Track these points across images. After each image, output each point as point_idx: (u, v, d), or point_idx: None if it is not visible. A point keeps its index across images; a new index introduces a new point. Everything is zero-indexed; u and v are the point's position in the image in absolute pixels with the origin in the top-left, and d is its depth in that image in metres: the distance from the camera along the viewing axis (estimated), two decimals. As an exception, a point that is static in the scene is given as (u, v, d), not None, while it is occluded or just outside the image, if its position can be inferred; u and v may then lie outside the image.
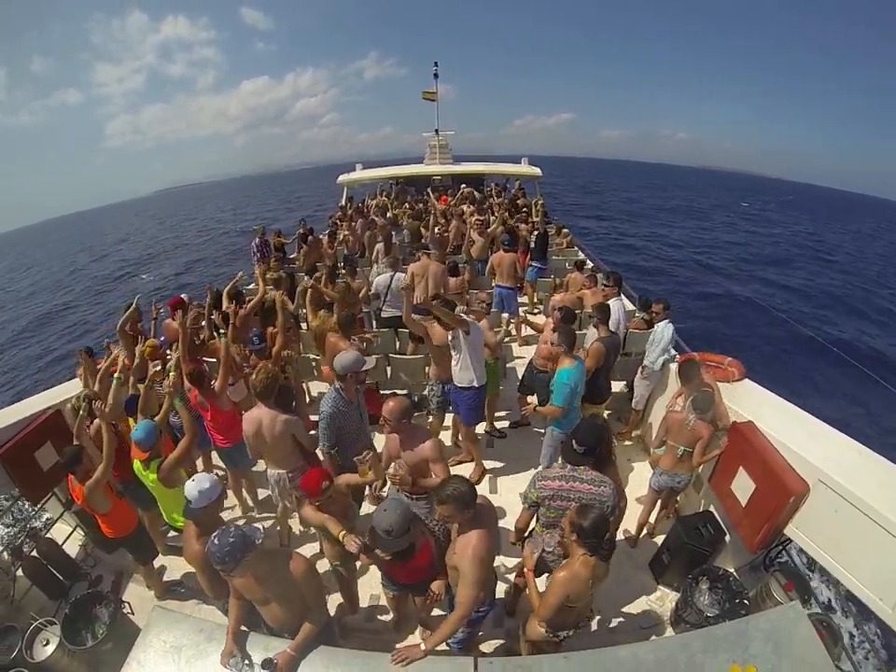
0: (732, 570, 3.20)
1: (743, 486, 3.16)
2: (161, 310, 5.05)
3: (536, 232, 8.24)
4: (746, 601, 2.92)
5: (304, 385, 5.34)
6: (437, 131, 15.04)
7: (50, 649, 2.86)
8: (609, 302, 4.76)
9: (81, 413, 3.29)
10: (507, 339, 6.18)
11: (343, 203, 12.61)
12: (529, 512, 2.76)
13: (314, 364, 5.41)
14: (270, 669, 2.09)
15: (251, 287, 7.44)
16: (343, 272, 5.95)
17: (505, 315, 6.17)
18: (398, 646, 2.24)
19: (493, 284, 6.84)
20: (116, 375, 3.47)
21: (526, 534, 2.93)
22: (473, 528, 2.24)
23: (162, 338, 4.95)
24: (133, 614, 3.16)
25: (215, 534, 2.01)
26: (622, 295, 5.37)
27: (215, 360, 4.26)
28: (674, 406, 3.84)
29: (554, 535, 2.67)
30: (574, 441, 2.62)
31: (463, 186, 12.72)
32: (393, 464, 3.00)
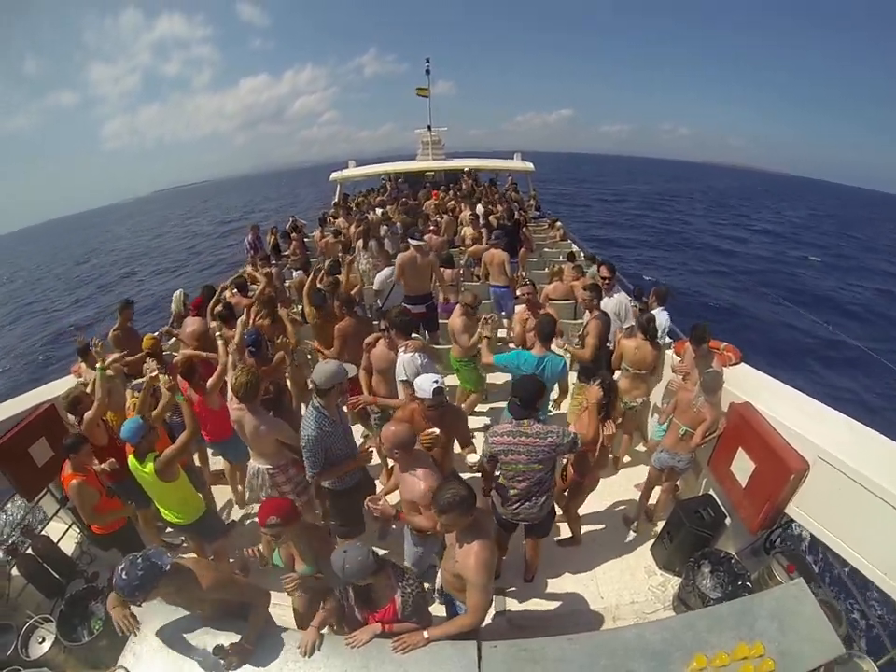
0: (733, 554, 3.19)
1: (742, 467, 3.14)
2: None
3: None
4: (748, 584, 2.91)
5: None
6: (429, 126, 15.01)
7: (46, 646, 2.83)
8: (615, 296, 4.76)
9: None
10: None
11: (337, 199, 12.60)
12: (490, 464, 2.91)
13: (308, 357, 5.36)
14: (220, 655, 2.07)
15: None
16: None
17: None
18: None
19: (489, 284, 6.52)
20: (99, 366, 3.39)
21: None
22: (474, 538, 2.14)
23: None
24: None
25: (121, 566, 1.92)
26: (619, 289, 5.32)
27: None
28: (680, 375, 3.82)
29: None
30: (514, 397, 2.81)
31: (464, 173, 12.84)
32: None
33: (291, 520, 2.34)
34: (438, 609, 2.92)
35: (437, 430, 2.84)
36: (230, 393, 3.22)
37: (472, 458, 2.86)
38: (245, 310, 4.55)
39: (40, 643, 2.85)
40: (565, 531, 3.76)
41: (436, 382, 2.77)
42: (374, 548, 2.17)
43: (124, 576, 1.89)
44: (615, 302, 4.72)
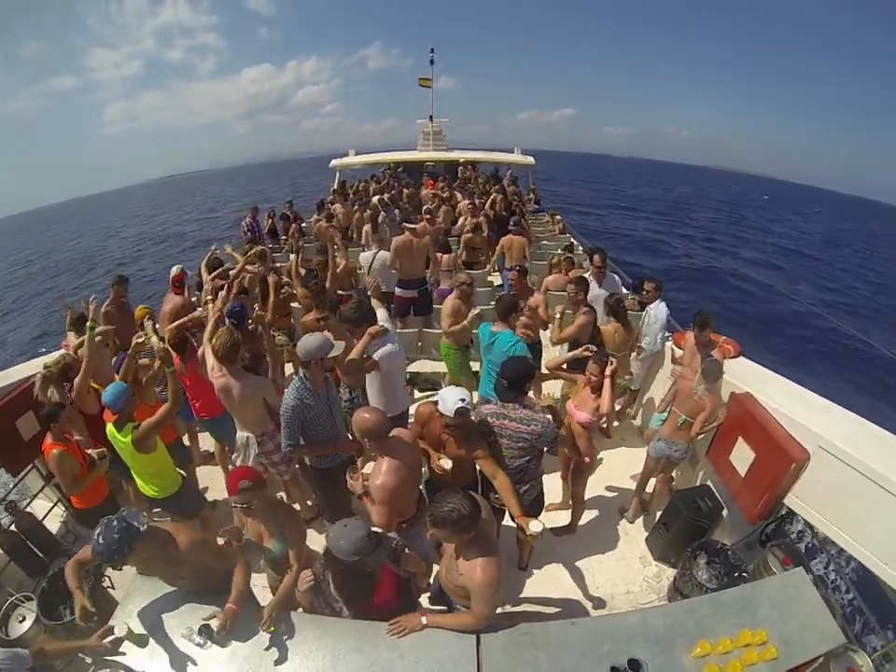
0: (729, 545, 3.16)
1: (742, 457, 3.12)
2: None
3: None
4: (745, 575, 2.87)
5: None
6: (431, 117, 14.94)
7: (27, 625, 2.75)
8: (607, 290, 4.71)
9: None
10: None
11: (336, 187, 12.52)
12: None
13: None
14: (207, 635, 2.02)
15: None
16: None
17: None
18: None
19: (500, 268, 6.63)
20: (89, 324, 3.32)
21: None
22: (478, 554, 1.92)
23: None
24: (114, 588, 3.03)
25: (98, 530, 1.90)
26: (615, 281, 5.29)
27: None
28: (680, 365, 3.81)
29: None
30: (500, 378, 2.68)
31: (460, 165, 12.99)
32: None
33: (261, 483, 2.32)
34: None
35: (449, 463, 2.61)
36: (210, 362, 3.14)
37: (535, 528, 2.29)
38: (226, 285, 4.46)
39: (20, 622, 2.77)
40: (559, 520, 3.72)
41: (462, 401, 2.37)
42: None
43: (101, 540, 1.86)
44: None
